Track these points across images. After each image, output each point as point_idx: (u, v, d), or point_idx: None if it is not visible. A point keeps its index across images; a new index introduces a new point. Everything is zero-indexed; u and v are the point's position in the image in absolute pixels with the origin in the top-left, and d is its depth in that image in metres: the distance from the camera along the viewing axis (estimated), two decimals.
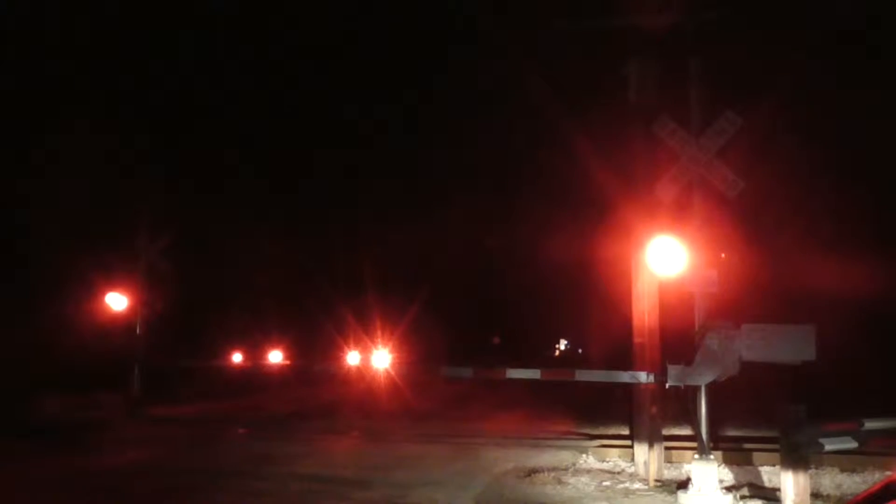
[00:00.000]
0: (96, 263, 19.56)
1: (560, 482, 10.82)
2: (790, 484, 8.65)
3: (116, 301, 18.45)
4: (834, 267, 20.61)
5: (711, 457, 9.44)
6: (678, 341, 10.26)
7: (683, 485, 9.76)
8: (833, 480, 10.69)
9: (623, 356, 11.96)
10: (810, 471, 9.18)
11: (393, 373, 17.01)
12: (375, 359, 15.91)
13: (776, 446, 9.39)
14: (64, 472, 11.73)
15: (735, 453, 12.10)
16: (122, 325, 18.79)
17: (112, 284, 18.69)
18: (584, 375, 12.48)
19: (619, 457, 12.60)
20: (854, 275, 20.16)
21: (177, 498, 10.16)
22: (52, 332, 19.78)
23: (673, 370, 9.39)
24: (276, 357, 20.00)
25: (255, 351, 22.35)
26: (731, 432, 15.08)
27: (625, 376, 11.11)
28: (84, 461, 12.82)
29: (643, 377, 10.63)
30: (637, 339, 11.14)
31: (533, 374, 12.12)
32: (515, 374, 12.64)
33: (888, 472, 10.16)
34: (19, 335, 19.46)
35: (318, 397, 23.11)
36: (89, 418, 17.43)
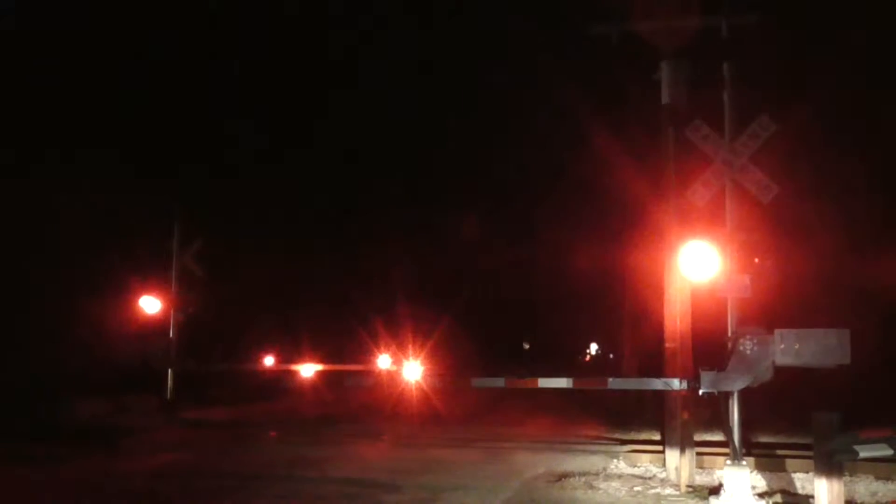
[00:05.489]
0: (130, 267, 19.74)
1: (591, 487, 10.78)
2: (824, 491, 8.56)
3: (150, 304, 18.58)
4: (870, 270, 20.39)
5: (744, 462, 9.37)
6: (711, 347, 10.21)
7: (715, 491, 9.69)
8: (868, 488, 10.56)
9: (654, 361, 11.89)
10: (845, 478, 9.08)
11: (424, 385, 16.99)
12: (407, 370, 15.94)
13: (810, 453, 9.30)
14: (96, 475, 11.86)
15: (768, 459, 11.99)
16: (155, 329, 18.91)
17: (146, 288, 18.83)
18: (617, 384, 12.35)
19: (651, 462, 12.54)
20: (890, 278, 19.95)
21: (209, 500, 10.22)
22: (85, 335, 19.99)
23: (706, 376, 9.32)
24: (307, 366, 20.05)
25: (286, 355, 22.41)
26: (764, 438, 14.95)
27: (658, 383, 11.03)
28: (117, 464, 12.96)
29: (676, 384, 10.56)
30: (669, 345, 11.08)
31: (565, 382, 12.01)
32: (547, 383, 12.57)
33: None
34: (53, 339, 19.70)
35: (348, 402, 23.16)
36: (122, 421, 17.60)
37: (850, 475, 10.67)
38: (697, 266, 9.48)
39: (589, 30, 11.54)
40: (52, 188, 20.43)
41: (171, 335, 18.80)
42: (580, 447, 14.65)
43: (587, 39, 11.60)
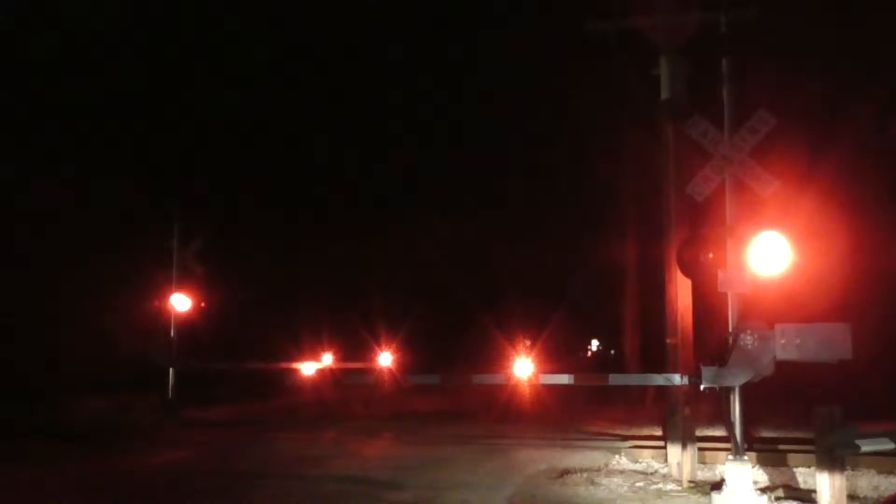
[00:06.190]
0: (132, 267, 19.75)
1: (592, 483, 10.78)
2: (826, 485, 8.57)
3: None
4: (871, 265, 20.37)
5: (746, 458, 9.35)
6: (712, 342, 10.19)
7: (717, 486, 9.68)
8: (870, 482, 10.56)
9: (656, 356, 11.90)
10: (846, 472, 9.08)
11: (424, 382, 17.05)
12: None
13: (812, 447, 9.31)
14: (98, 474, 11.86)
15: (769, 454, 11.98)
16: (157, 328, 18.92)
17: (146, 287, 18.84)
18: (618, 380, 12.33)
19: (652, 458, 12.54)
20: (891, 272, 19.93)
21: (211, 498, 10.22)
22: (89, 334, 20.01)
23: (707, 371, 9.31)
24: (308, 364, 20.06)
25: (287, 353, 22.41)
26: (766, 433, 14.95)
27: (659, 379, 11.03)
28: (119, 463, 12.96)
29: (677, 379, 10.55)
30: (670, 340, 11.07)
31: (566, 379, 12.00)
32: (548, 379, 12.54)
33: None
34: (56, 338, 19.72)
35: (349, 399, 23.17)
36: (124, 421, 17.61)
37: (852, 469, 10.66)
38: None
39: (587, 26, 11.52)
40: (53, 188, 20.45)
41: (171, 334, 18.82)
42: (581, 443, 14.65)
43: (586, 35, 11.58)
